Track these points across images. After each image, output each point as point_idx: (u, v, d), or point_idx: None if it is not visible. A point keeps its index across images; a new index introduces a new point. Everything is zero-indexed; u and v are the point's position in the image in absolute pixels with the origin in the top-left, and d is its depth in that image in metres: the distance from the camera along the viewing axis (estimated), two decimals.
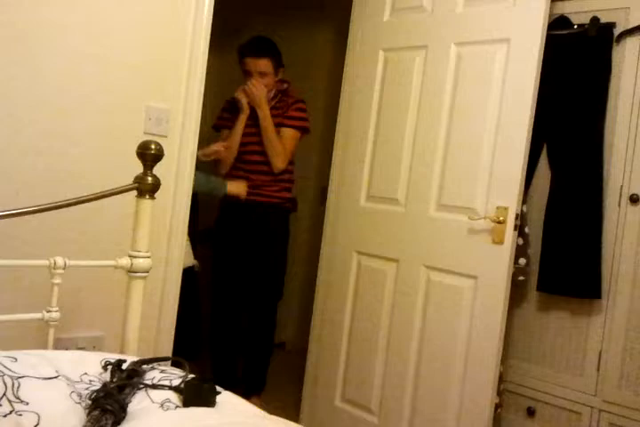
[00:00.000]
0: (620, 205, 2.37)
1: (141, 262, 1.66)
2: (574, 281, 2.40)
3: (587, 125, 2.44)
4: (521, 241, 2.47)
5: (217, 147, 2.89)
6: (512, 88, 2.21)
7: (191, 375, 1.38)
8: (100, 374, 1.36)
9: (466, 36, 2.37)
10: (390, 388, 2.48)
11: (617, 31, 2.40)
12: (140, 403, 1.24)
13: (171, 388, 1.31)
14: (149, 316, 2.12)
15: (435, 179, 2.41)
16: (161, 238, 2.19)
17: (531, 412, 2.57)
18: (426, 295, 2.40)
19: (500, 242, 2.20)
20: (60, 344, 1.92)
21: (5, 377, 1.15)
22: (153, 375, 1.37)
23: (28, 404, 1.11)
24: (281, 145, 2.94)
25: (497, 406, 2.43)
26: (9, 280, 1.89)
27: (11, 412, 1.08)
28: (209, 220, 3.07)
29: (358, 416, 2.60)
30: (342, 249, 2.74)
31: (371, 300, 2.58)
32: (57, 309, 1.57)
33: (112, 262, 1.64)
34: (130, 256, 1.66)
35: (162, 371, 1.40)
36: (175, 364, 1.56)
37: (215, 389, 1.29)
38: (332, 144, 2.88)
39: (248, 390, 3.01)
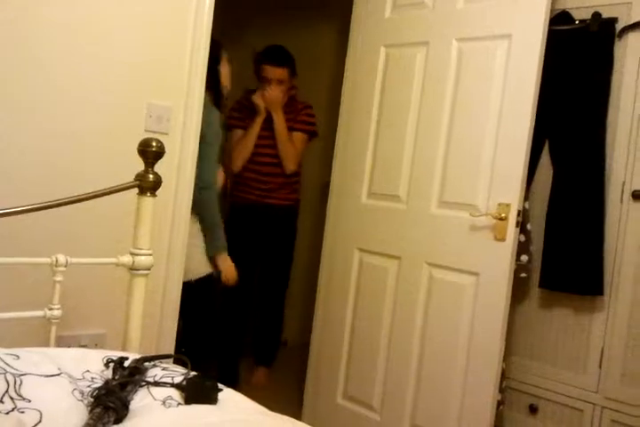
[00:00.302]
0: (622, 202, 2.37)
1: (143, 260, 1.66)
2: (576, 278, 2.40)
3: (589, 121, 2.43)
4: (523, 238, 2.47)
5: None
6: (514, 84, 2.21)
7: (193, 373, 1.38)
8: (102, 371, 1.36)
9: (467, 32, 2.36)
10: (392, 385, 2.48)
11: (619, 26, 2.39)
12: (142, 400, 1.24)
13: (173, 385, 1.31)
14: (151, 313, 2.12)
15: (436, 175, 2.41)
16: (162, 236, 2.19)
17: (533, 409, 2.57)
18: (427, 292, 2.40)
19: (502, 239, 2.20)
20: (62, 342, 1.92)
21: (7, 375, 1.15)
22: (155, 373, 1.37)
23: (30, 401, 1.11)
24: (293, 148, 3.10)
25: (499, 404, 2.43)
26: (11, 278, 1.89)
27: (13, 409, 1.08)
28: None
29: (360, 413, 2.60)
30: (344, 246, 2.73)
31: (372, 297, 2.58)
32: (59, 306, 1.57)
33: (114, 260, 1.64)
34: (131, 254, 1.66)
35: (164, 368, 1.41)
36: (177, 361, 1.56)
37: (217, 386, 1.29)
38: (333, 141, 2.88)
39: (257, 361, 3.32)
